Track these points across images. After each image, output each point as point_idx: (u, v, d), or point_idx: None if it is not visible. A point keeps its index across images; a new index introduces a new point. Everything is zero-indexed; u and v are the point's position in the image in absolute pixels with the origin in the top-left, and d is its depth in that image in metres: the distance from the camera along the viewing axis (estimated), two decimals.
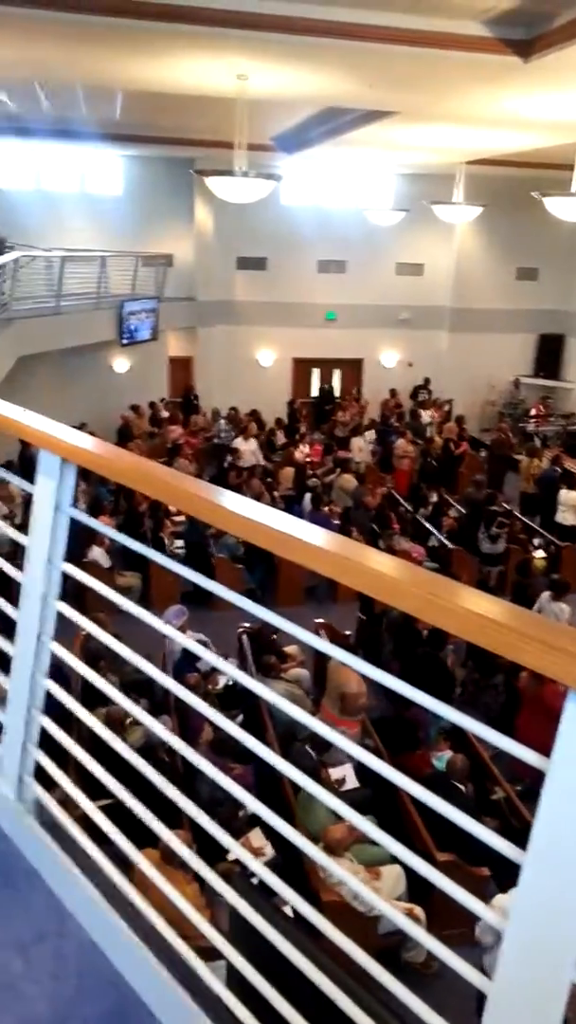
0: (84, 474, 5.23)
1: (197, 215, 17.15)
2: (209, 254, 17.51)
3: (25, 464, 11.07)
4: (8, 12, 6.03)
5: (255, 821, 5.07)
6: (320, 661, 7.90)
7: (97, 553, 9.38)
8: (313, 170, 16.79)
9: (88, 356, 14.94)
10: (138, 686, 6.33)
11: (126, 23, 6.05)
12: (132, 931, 1.67)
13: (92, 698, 4.48)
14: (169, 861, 3.69)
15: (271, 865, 3.00)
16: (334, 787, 5.66)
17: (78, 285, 13.93)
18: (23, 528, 2.02)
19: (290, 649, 7.96)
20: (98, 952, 1.70)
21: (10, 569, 2.07)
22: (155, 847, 3.43)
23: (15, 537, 2.09)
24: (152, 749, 5.32)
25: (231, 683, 7.30)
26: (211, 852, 2.20)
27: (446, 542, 10.88)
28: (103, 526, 2.02)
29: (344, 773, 5.89)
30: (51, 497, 1.91)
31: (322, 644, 1.55)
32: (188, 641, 2.13)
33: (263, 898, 1.69)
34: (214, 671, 7.06)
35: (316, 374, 19.46)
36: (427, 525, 11.54)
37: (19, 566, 2.02)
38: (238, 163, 8.85)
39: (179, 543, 10.42)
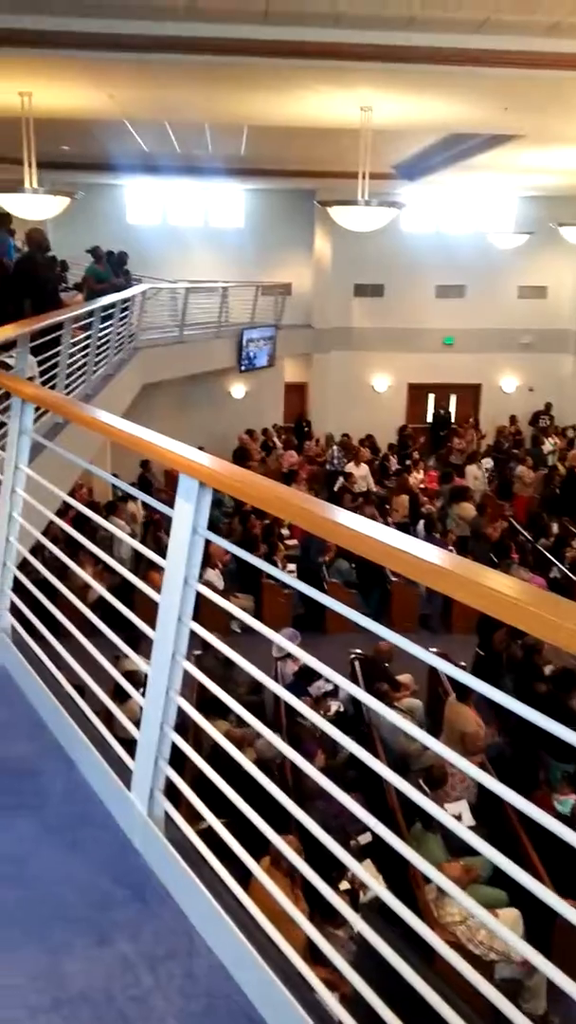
0: None
1: (316, 244, 17.45)
2: (327, 282, 17.75)
3: (143, 486, 11.49)
4: (145, 58, 6.37)
5: (366, 853, 4.99)
6: (433, 695, 7.73)
7: (212, 575, 9.57)
8: (433, 196, 16.76)
9: (207, 382, 15.41)
10: (249, 707, 6.38)
11: (256, 61, 6.26)
12: (260, 956, 1.66)
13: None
14: (282, 885, 3.68)
15: (379, 902, 2.94)
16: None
17: (200, 315, 14.42)
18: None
19: (403, 678, 7.82)
20: (226, 975, 1.70)
21: (147, 589, 2.14)
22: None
23: (153, 559, 2.15)
24: (264, 770, 5.34)
25: (343, 710, 7.25)
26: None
27: (569, 573, 10.47)
28: (241, 551, 2.05)
29: (460, 810, 5.71)
30: (189, 519, 1.96)
31: (459, 673, 1.51)
32: (311, 659, 2.13)
33: (389, 929, 1.66)
34: (326, 696, 7.03)
35: (431, 399, 19.26)
36: (548, 556, 11.14)
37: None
38: (361, 192, 8.96)
39: (291, 567, 10.49)
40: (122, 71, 6.80)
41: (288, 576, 1.84)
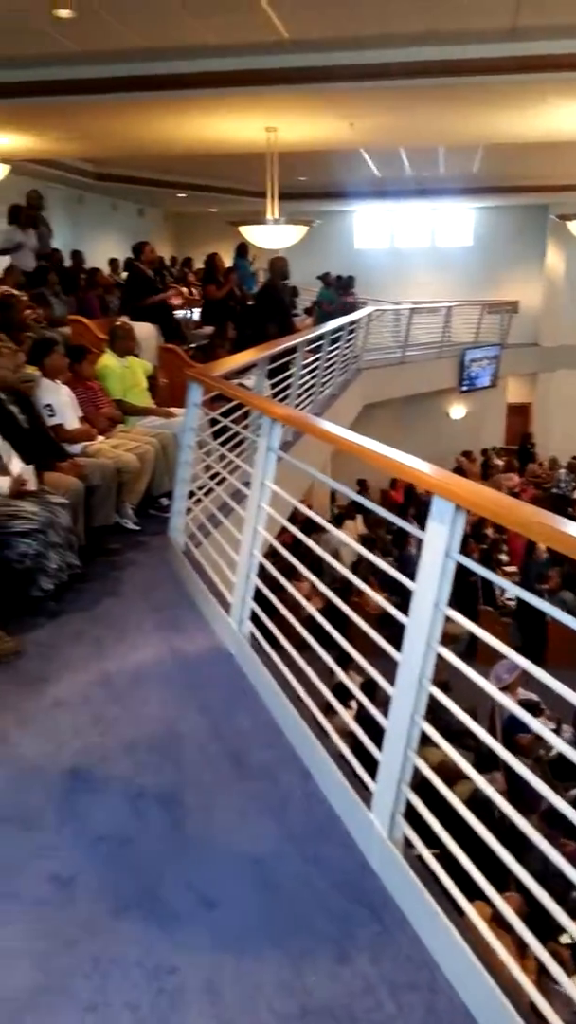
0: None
1: (548, 260, 16.80)
2: (558, 298, 17.01)
3: (359, 506, 11.62)
4: (386, 85, 6.49)
5: None
6: None
7: None
8: None
9: (426, 403, 15.31)
10: (468, 734, 6.17)
11: (502, 79, 6.16)
12: (509, 1003, 1.59)
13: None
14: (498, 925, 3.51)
15: None
16: None
17: (423, 335, 14.38)
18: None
19: None
20: (470, 1018, 1.65)
21: (396, 613, 2.14)
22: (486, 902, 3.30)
23: (404, 582, 2.16)
24: (483, 804, 5.14)
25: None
26: (542, 928, 2.05)
27: None
28: (497, 577, 2.00)
29: None
30: (443, 542, 1.94)
31: None
32: (513, 705, 2.04)
33: None
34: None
35: None
36: None
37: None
38: None
39: (510, 594, 10.08)
40: (364, 99, 6.97)
41: (553, 607, 1.76)
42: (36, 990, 1.78)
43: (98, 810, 2.38)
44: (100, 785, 2.51)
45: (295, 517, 5.32)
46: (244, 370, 5.55)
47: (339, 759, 2.43)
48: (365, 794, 2.20)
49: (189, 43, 5.89)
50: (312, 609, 2.82)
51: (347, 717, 2.48)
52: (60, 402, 4.82)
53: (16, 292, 6.32)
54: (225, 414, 4.62)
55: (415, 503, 12.50)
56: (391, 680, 2.11)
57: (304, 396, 8.00)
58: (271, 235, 8.63)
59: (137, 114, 7.29)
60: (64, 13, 5.27)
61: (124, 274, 10.33)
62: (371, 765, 2.23)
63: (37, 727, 2.83)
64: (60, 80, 6.34)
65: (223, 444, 4.61)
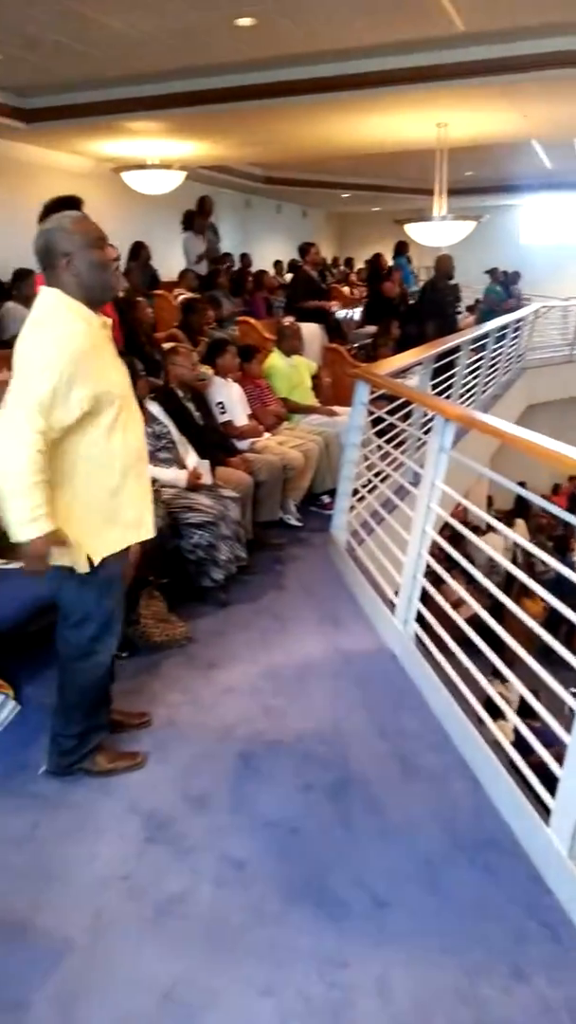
0: None
1: None
2: None
3: (522, 508, 11.25)
4: (567, 74, 6.20)
5: None
6: None
7: None
8: None
9: None
10: None
11: None
12: None
13: None
14: None
15: None
16: None
17: None
18: None
19: None
20: None
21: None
22: None
23: None
24: None
25: None
26: None
27: None
28: None
29: None
30: None
31: None
32: None
33: None
34: None
35: None
36: None
37: None
38: None
39: None
40: (541, 89, 6.69)
41: None
42: (213, 966, 1.85)
43: (268, 797, 2.45)
44: (269, 773, 2.57)
45: (453, 516, 5.22)
46: (407, 369, 5.51)
47: (510, 768, 2.36)
48: (540, 808, 2.13)
49: (366, 43, 5.89)
50: (481, 610, 2.76)
51: (522, 727, 2.40)
52: (231, 400, 4.98)
53: (199, 296, 6.62)
54: (387, 413, 4.61)
55: None
56: (564, 686, 2.03)
57: (466, 396, 7.83)
58: (437, 232, 8.49)
59: (311, 116, 7.38)
60: (245, 21, 5.43)
61: (288, 276, 10.54)
62: (545, 776, 2.15)
63: (209, 711, 2.94)
64: (240, 86, 6.53)
65: (387, 443, 4.60)
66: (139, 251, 8.04)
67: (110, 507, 2.27)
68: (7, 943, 1.91)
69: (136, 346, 4.92)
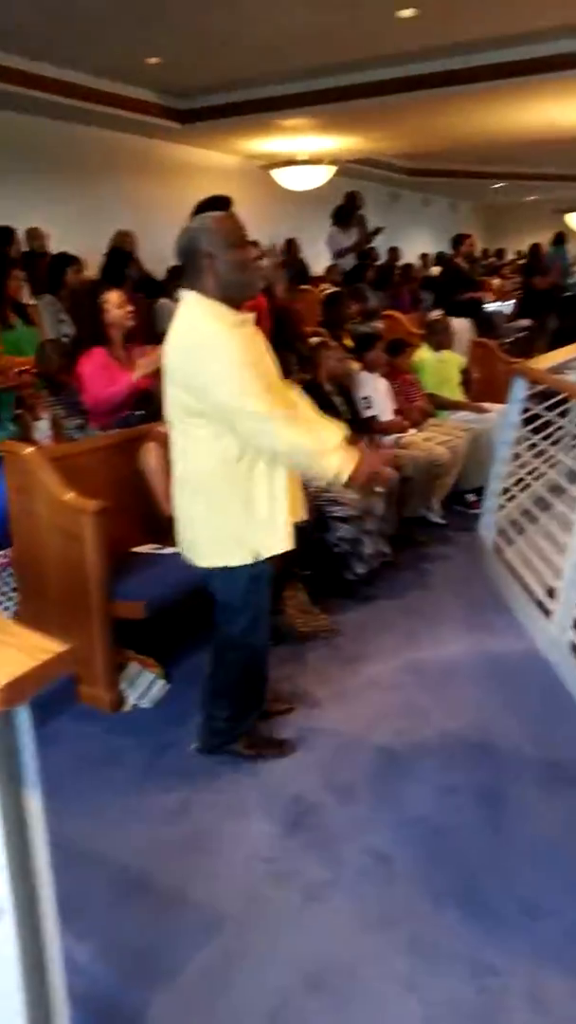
0: None
1: None
2: None
3: None
4: None
5: None
6: None
7: None
8: None
9: None
10: None
11: None
12: None
13: None
14: None
15: None
16: None
17: None
18: None
19: None
20: None
21: None
22: None
23: None
24: None
25: None
26: None
27: None
28: None
29: None
30: None
31: None
32: None
33: None
34: None
35: None
36: None
37: None
38: None
39: None
40: None
41: None
42: (358, 956, 1.85)
43: (412, 795, 2.42)
44: (413, 771, 2.54)
45: None
46: (565, 364, 5.27)
47: None
48: None
49: (530, 28, 5.69)
50: None
51: None
52: (377, 394, 4.95)
53: (342, 290, 6.63)
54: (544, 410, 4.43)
55: None
56: None
57: None
58: None
59: (469, 106, 7.23)
60: (407, 12, 5.37)
61: (435, 268, 10.35)
62: None
63: (353, 704, 2.94)
64: (398, 79, 6.49)
65: (542, 440, 4.43)
66: (290, 247, 8.15)
67: (279, 501, 2.28)
68: (162, 912, 1.99)
69: (286, 342, 4.98)
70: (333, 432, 2.24)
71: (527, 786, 2.43)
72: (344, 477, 2.17)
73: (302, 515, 2.44)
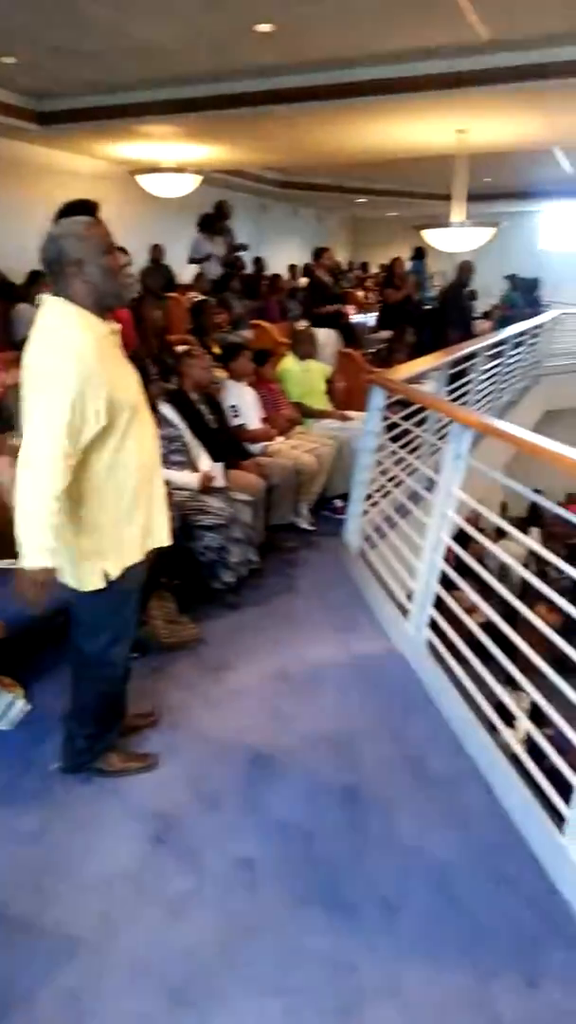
0: None
1: None
2: None
3: (535, 518, 11.18)
4: None
5: None
6: None
7: None
8: None
9: None
10: None
11: None
12: None
13: None
14: None
15: None
16: None
17: None
18: None
19: None
20: None
21: None
22: None
23: None
24: None
25: None
26: None
27: None
28: None
29: None
30: None
31: None
32: None
33: None
34: None
35: None
36: None
37: None
38: None
39: None
40: (565, 96, 6.67)
41: None
42: (222, 966, 1.84)
43: (278, 800, 2.43)
44: (279, 776, 2.56)
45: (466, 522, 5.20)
46: (423, 375, 5.50)
47: (524, 776, 2.34)
48: (555, 816, 2.11)
49: (386, 48, 5.90)
50: (495, 616, 2.75)
51: (537, 735, 2.38)
52: (244, 403, 4.98)
53: (209, 298, 6.63)
54: (402, 419, 4.59)
55: None
56: None
57: (482, 402, 7.81)
58: (455, 239, 8.48)
59: (328, 122, 7.40)
60: (265, 27, 5.45)
61: (303, 280, 10.55)
62: (559, 784, 2.13)
63: (218, 712, 2.93)
64: (257, 92, 6.57)
65: (401, 448, 4.59)
66: (155, 254, 8.07)
67: (126, 517, 2.25)
68: (16, 937, 1.91)
69: (148, 349, 4.93)
70: (51, 542, 2.02)
71: (387, 785, 2.51)
72: (24, 560, 2.01)
73: (163, 539, 2.40)
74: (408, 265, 10.05)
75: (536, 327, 9.72)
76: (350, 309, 8.17)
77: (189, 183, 8.63)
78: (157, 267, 8.27)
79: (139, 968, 1.83)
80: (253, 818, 2.35)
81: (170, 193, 8.75)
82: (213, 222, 8.21)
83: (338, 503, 5.24)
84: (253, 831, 2.29)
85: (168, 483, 3.64)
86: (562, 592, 2.31)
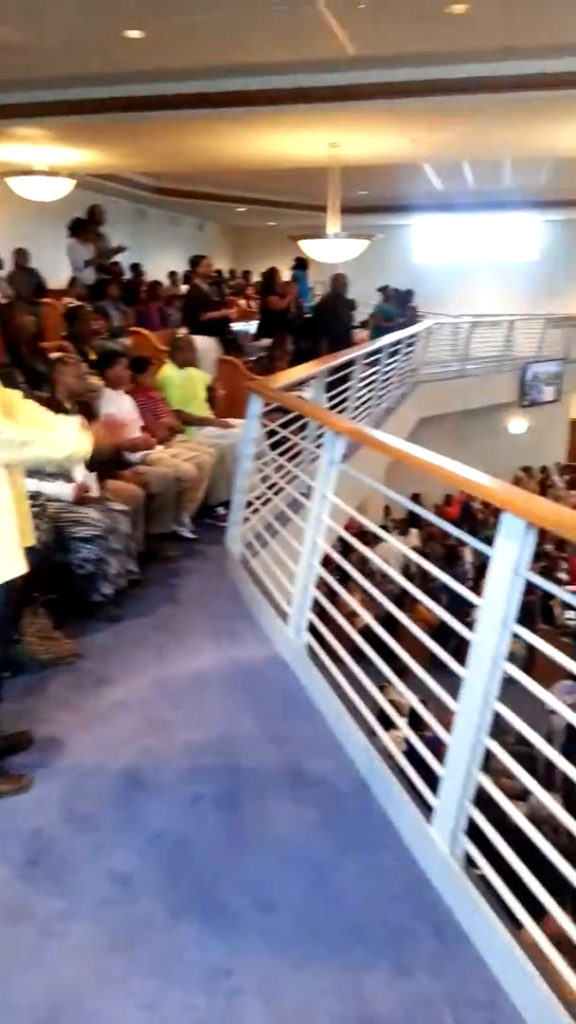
0: None
1: None
2: None
3: (414, 521, 11.58)
4: (454, 100, 6.46)
5: None
6: None
7: None
8: None
9: (485, 417, 15.13)
10: (520, 758, 6.08)
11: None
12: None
13: None
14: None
15: None
16: None
17: (483, 349, 14.25)
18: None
19: None
20: None
21: (461, 628, 2.13)
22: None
23: (470, 598, 2.14)
24: (538, 823, 5.03)
25: None
26: None
27: None
28: (568, 594, 1.96)
29: None
30: (512, 560, 1.92)
31: None
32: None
33: None
34: None
35: None
36: None
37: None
38: None
39: (570, 614, 9.90)
40: (430, 115, 6.96)
41: None
42: (94, 985, 1.81)
43: (156, 811, 2.41)
44: (158, 787, 2.53)
45: (348, 528, 5.32)
46: (302, 382, 5.58)
47: (397, 771, 2.42)
48: (425, 808, 2.19)
49: (256, 60, 5.98)
50: (371, 620, 2.82)
51: (407, 730, 2.47)
52: (122, 412, 4.90)
53: (84, 304, 6.49)
54: (282, 426, 4.65)
55: (470, 519, 12.37)
56: (452, 694, 2.10)
57: (361, 409, 8.00)
58: (331, 249, 8.68)
59: (201, 130, 7.43)
60: (134, 34, 5.41)
61: (184, 287, 10.50)
62: (430, 778, 2.21)
63: (96, 728, 2.88)
64: (128, 97, 6.51)
65: (281, 455, 4.64)
66: (19, 258, 7.83)
67: None
68: None
69: (16, 356, 4.77)
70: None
71: (266, 787, 2.53)
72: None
73: (31, 540, 2.35)
74: (288, 275, 10.18)
75: (411, 337, 10.05)
76: (233, 313, 8.19)
77: (63, 187, 8.45)
78: (23, 271, 8.02)
79: (10, 994, 1.77)
80: (129, 832, 2.31)
81: (42, 196, 8.54)
82: (83, 226, 8.03)
83: (220, 511, 5.24)
84: (129, 845, 2.26)
85: (41, 495, 3.57)
86: (441, 589, 2.40)
